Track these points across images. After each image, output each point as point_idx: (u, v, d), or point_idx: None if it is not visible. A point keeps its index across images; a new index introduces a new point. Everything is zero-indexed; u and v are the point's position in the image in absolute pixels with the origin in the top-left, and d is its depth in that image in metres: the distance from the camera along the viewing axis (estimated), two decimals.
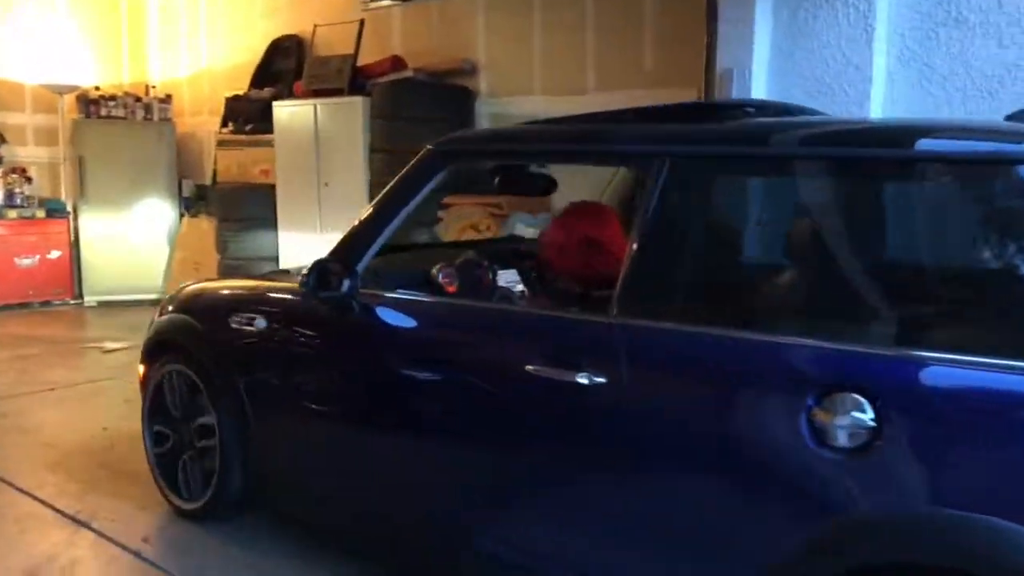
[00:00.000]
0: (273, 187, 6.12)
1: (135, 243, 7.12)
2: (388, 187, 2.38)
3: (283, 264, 5.99)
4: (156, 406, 2.95)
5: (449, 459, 2.22)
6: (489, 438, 2.12)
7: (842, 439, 1.58)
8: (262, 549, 2.69)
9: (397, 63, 5.54)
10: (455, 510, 2.21)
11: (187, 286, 3.04)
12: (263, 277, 3.09)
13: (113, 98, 7.19)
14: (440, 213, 4.93)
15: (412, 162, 2.35)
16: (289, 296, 2.56)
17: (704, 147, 1.94)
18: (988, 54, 2.88)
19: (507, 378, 2.05)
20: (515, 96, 5.22)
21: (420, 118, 5.03)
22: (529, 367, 1.97)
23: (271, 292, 2.68)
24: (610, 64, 4.81)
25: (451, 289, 2.44)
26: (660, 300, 1.90)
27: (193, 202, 7.25)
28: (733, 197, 2.08)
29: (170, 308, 2.96)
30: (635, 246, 1.90)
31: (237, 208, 6.27)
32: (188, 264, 6.89)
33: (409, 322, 2.31)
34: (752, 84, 3.33)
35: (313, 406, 2.49)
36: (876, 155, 1.73)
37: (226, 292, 2.87)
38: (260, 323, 2.55)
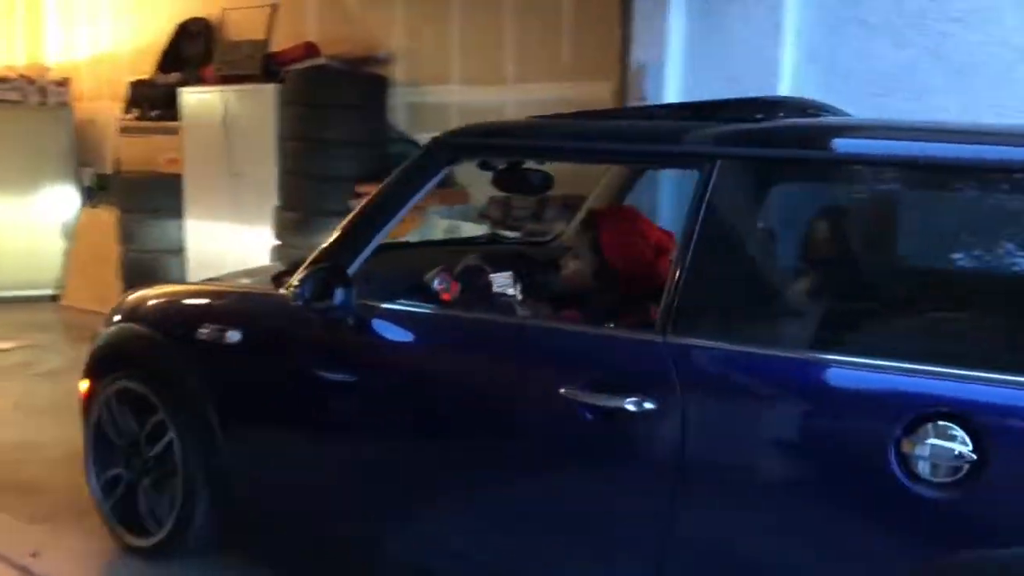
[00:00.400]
0: (180, 177, 5.90)
1: (28, 235, 6.74)
2: (384, 183, 2.20)
3: (192, 260, 5.83)
4: (102, 428, 2.63)
5: (470, 492, 2.02)
6: (516, 467, 1.93)
7: (937, 473, 1.44)
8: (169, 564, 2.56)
9: (311, 49, 5.42)
10: (481, 548, 2.03)
11: (134, 293, 2.77)
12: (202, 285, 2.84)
13: (5, 80, 6.82)
14: (352, 203, 4.85)
15: (413, 155, 2.18)
16: (271, 305, 2.31)
17: (767, 149, 1.78)
18: (887, 53, 3.00)
19: (536, 402, 1.85)
20: (432, 85, 5.17)
21: (334, 106, 4.94)
22: (563, 390, 1.77)
23: (248, 301, 2.43)
24: (529, 55, 4.82)
25: (446, 296, 2.25)
26: (720, 318, 1.73)
27: (94, 192, 6.94)
28: (801, 203, 1.91)
29: (117, 318, 2.68)
30: (688, 257, 1.71)
31: (142, 198, 6.03)
32: (87, 257, 6.60)
33: (419, 338, 2.11)
34: (666, 79, 3.39)
35: (304, 431, 2.27)
36: (981, 163, 1.57)
37: (189, 301, 2.58)
38: (234, 336, 2.29)
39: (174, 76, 6.15)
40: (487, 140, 2.25)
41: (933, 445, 1.44)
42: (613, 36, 3.77)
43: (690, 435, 1.66)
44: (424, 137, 5.16)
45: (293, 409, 2.29)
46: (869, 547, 1.53)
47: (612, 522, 1.80)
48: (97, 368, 2.68)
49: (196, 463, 2.39)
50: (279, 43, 5.58)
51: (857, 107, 3.07)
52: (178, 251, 5.93)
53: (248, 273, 3.11)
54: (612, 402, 1.71)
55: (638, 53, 3.47)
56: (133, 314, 2.65)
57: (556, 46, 4.68)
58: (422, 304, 2.15)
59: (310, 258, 2.20)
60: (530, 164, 2.59)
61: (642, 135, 1.98)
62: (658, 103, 2.14)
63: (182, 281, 3.46)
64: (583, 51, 4.57)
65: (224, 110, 5.55)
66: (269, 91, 5.27)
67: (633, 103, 3.48)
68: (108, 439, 2.63)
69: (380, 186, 2.21)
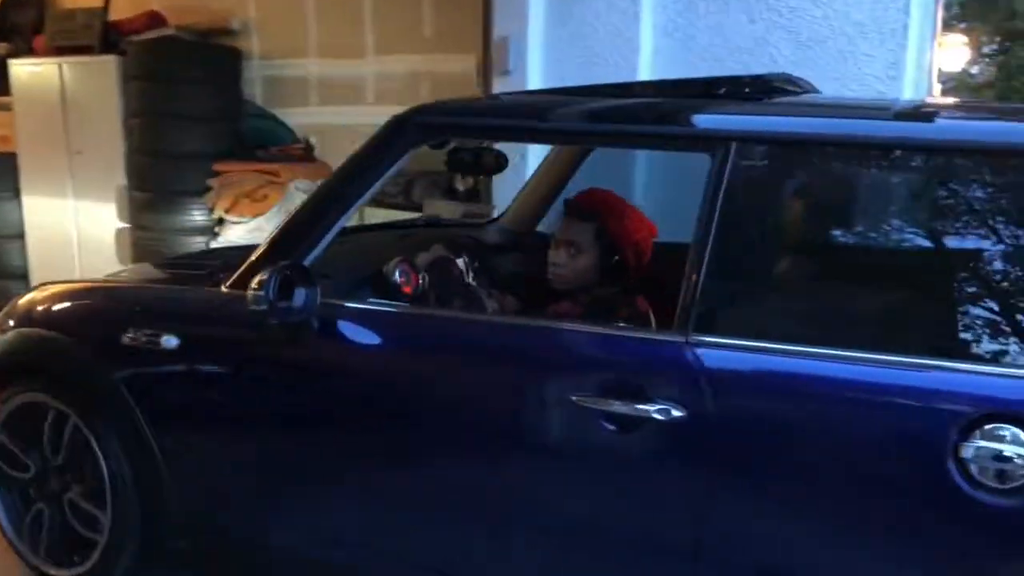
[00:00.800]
0: (14, 156, 5.45)
1: None
2: (341, 165, 2.00)
3: (33, 245, 5.43)
4: (6, 447, 2.36)
5: (466, 506, 1.83)
6: (521, 481, 1.77)
7: (999, 478, 1.36)
8: None
9: (156, 19, 5.10)
10: (482, 566, 1.86)
11: (28, 294, 2.45)
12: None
13: None
14: (209, 181, 4.63)
15: (376, 134, 1.97)
16: (215, 307, 2.06)
17: (788, 130, 1.65)
18: (740, 28, 3.09)
19: (544, 410, 1.71)
20: (289, 59, 4.98)
21: (184, 80, 4.67)
22: (574, 397, 1.63)
23: (184, 302, 2.18)
24: (389, 28, 4.71)
25: (407, 290, 2.08)
26: (750, 314, 1.62)
27: None
28: (835, 189, 1.72)
29: (11, 323, 2.36)
30: (709, 248, 1.58)
31: None
32: None
33: (396, 341, 1.91)
34: (528, 53, 3.38)
35: (263, 445, 2.05)
36: None
37: (106, 301, 2.31)
38: (171, 341, 2.04)
39: (2, 47, 5.67)
40: (465, 120, 2.03)
41: (993, 449, 1.37)
42: (475, 9, 3.73)
43: (725, 444, 1.55)
44: (282, 112, 5.01)
45: (247, 422, 2.08)
46: (927, 559, 1.46)
47: (635, 539, 1.68)
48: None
49: (128, 481, 2.16)
50: (119, 12, 5.22)
51: None
52: (16, 236, 5.51)
53: (129, 272, 2.89)
54: (634, 410, 1.57)
55: (500, 26, 3.44)
56: (33, 317, 2.34)
57: (417, 19, 4.59)
58: (391, 302, 1.98)
59: (257, 253, 2.00)
60: (487, 144, 2.43)
61: (649, 116, 1.82)
62: (639, 80, 1.97)
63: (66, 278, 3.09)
64: (444, 24, 4.50)
65: (61, 83, 5.16)
66: (111, 63, 4.93)
67: (497, 76, 3.46)
68: (13, 458, 2.37)
69: (336, 170, 2.01)
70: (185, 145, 4.66)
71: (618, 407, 1.59)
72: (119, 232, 4.94)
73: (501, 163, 2.48)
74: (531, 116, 1.96)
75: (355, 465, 1.99)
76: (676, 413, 1.55)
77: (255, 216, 4.43)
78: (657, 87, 2.01)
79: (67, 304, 2.36)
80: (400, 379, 1.88)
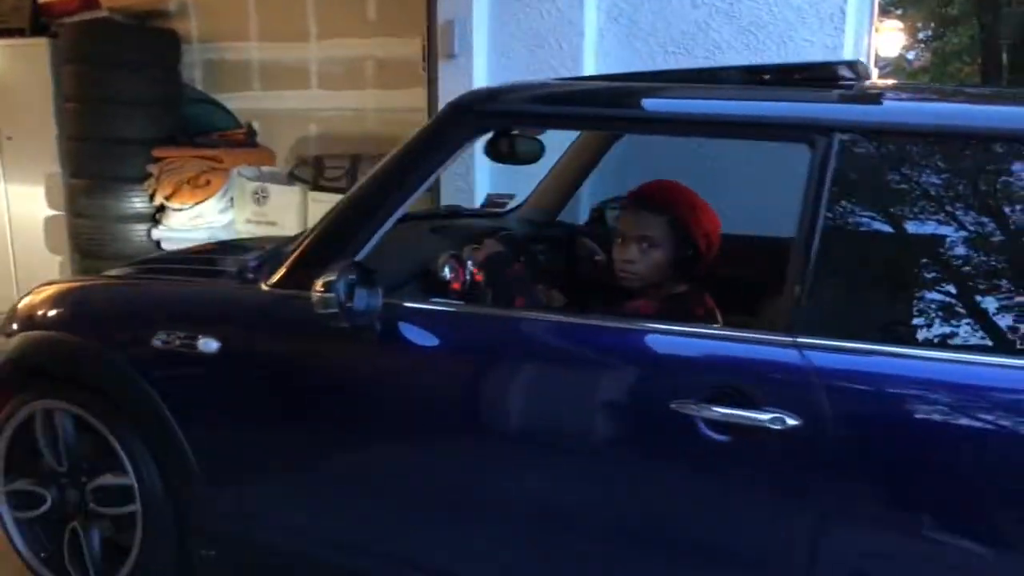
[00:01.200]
0: None
1: None
2: (390, 156, 1.87)
3: None
4: (18, 458, 2.23)
5: (551, 538, 1.71)
6: (619, 499, 1.66)
7: None
8: None
9: (88, 1, 4.96)
10: None
11: (29, 295, 2.29)
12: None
13: None
14: (149, 167, 4.52)
15: (431, 121, 1.84)
16: (259, 307, 1.93)
17: (895, 119, 1.57)
18: (684, 13, 3.12)
19: (641, 420, 1.60)
20: (230, 42, 4.88)
21: (119, 63, 4.55)
22: (674, 404, 1.52)
23: (221, 299, 2.02)
24: (332, 11, 4.64)
25: (456, 286, 1.98)
26: (867, 314, 1.51)
27: None
28: (953, 182, 1.56)
29: (15, 326, 2.22)
30: (815, 244, 1.49)
31: None
32: None
33: (469, 344, 1.79)
34: (473, 37, 3.37)
35: (321, 458, 1.93)
36: None
37: (132, 300, 2.16)
38: (210, 345, 1.91)
39: None
40: (534, 108, 1.86)
41: None
42: None
43: (846, 454, 1.46)
44: (223, 97, 4.91)
45: (301, 429, 1.95)
46: None
47: (745, 559, 1.58)
48: (4, 386, 2.23)
49: (161, 495, 2.03)
50: None
51: (658, 66, 3.19)
52: None
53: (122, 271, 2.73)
54: (744, 418, 1.48)
55: (444, 10, 3.42)
56: (44, 320, 2.19)
57: (360, 1, 4.54)
58: (462, 303, 1.89)
59: (300, 250, 1.89)
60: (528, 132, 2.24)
61: (743, 103, 1.71)
62: (717, 66, 1.83)
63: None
64: (388, 7, 4.46)
65: None
66: (42, 46, 4.79)
67: (442, 60, 3.45)
68: (26, 470, 2.24)
69: (383, 162, 1.88)
70: (123, 130, 4.54)
71: (725, 415, 1.50)
72: (48, 219, 4.81)
73: (541, 152, 2.28)
74: (610, 104, 1.80)
75: (433, 478, 1.85)
76: (791, 422, 1.45)
77: (197, 203, 4.35)
78: (741, 73, 1.90)
79: (81, 305, 2.22)
80: (477, 385, 1.77)
